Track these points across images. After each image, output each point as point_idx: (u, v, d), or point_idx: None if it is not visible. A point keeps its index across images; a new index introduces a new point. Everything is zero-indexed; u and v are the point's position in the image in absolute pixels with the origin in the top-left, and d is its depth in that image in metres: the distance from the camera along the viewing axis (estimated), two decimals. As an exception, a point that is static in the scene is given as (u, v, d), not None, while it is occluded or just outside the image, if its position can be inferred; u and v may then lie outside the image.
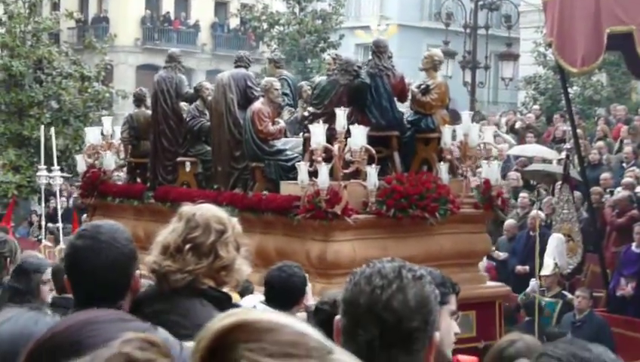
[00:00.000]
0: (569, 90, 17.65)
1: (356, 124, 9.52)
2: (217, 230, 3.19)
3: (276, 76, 11.83)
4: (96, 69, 25.92)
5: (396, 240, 9.61)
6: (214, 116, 11.01)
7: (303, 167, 9.29)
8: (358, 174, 9.63)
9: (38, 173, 18.35)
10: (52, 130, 17.44)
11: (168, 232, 3.22)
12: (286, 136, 10.81)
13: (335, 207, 9.01)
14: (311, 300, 5.66)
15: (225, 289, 3.30)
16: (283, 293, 5.43)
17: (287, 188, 9.85)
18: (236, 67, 11.22)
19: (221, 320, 1.10)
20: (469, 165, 9.99)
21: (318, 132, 9.19)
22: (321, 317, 4.19)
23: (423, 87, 10.17)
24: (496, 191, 9.96)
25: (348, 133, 9.42)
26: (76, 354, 1.34)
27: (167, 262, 3.17)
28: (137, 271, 3.10)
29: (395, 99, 10.11)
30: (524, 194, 14.91)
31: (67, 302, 3.68)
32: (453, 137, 10.19)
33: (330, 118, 9.56)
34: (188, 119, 11.62)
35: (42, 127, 18.74)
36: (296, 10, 31.02)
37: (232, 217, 3.31)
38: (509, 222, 13.94)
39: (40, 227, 18.56)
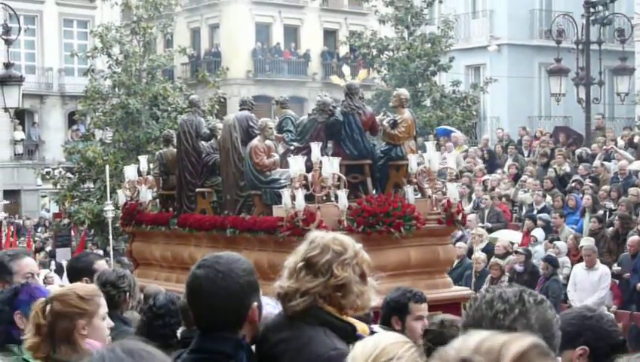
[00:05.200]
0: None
1: (333, 155, 11.33)
2: (335, 250, 3.22)
3: (281, 115, 13.75)
4: (210, 103, 26.42)
5: (368, 252, 11.13)
6: (223, 152, 12.90)
7: (285, 193, 11.08)
8: (337, 198, 11.38)
9: (105, 208, 20.19)
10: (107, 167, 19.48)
11: (292, 255, 3.28)
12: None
13: (310, 226, 10.77)
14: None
15: (351, 320, 3.28)
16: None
17: (277, 211, 11.63)
18: (241, 110, 13.12)
19: (514, 343, 1.29)
20: (432, 186, 11.66)
21: (295, 164, 11.01)
22: (430, 338, 4.49)
23: (392, 121, 11.90)
24: (457, 208, 11.60)
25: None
26: None
27: (287, 283, 3.21)
28: (255, 303, 3.15)
29: (368, 133, 11.88)
30: None
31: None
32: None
33: (310, 151, 11.36)
34: (204, 155, 13.57)
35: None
36: (405, 34, 31.19)
37: (358, 244, 3.36)
38: (633, 238, 14.03)
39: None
